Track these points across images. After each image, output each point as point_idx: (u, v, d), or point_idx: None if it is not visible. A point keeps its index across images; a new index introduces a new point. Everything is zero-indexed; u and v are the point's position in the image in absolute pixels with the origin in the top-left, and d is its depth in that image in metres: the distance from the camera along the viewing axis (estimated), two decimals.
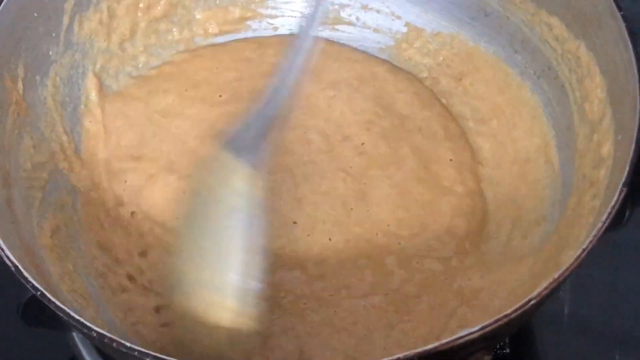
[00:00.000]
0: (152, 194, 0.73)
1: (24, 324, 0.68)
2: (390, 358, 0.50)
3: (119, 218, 0.73)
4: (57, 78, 0.74)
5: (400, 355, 0.50)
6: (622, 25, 0.63)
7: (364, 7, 0.85)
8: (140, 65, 0.81)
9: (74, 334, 0.73)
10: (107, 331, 0.53)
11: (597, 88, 0.67)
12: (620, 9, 0.64)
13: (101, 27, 0.77)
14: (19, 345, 0.76)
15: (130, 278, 0.70)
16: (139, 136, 0.77)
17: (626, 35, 0.63)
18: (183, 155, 0.75)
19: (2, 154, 0.65)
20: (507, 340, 0.67)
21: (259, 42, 0.84)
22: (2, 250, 0.56)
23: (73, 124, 0.76)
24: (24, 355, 0.76)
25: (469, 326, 0.51)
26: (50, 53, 0.73)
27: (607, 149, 0.63)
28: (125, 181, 0.74)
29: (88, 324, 0.52)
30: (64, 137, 0.74)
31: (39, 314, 0.67)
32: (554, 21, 0.72)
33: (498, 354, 0.67)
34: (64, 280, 0.65)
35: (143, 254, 0.71)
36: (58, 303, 0.53)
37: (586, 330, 0.74)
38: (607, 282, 0.76)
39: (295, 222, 0.72)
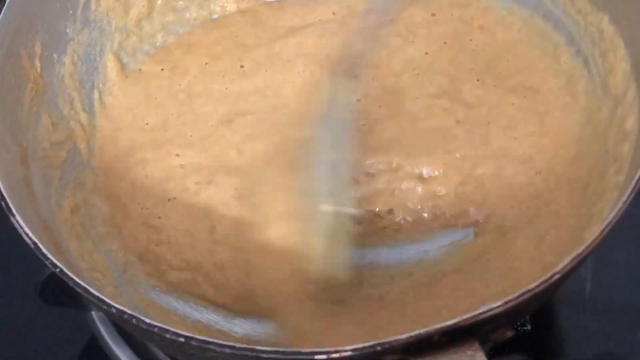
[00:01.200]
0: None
1: (43, 303, 0.68)
2: (411, 333, 0.49)
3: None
4: (75, 56, 0.74)
5: (422, 331, 0.49)
6: None
7: None
8: (157, 44, 0.81)
9: (93, 314, 0.73)
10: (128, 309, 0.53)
11: (621, 61, 0.66)
12: None
13: (118, 5, 0.77)
14: (37, 325, 0.76)
15: None
16: (163, 117, 0.77)
17: None
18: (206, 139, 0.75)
19: (20, 132, 0.65)
20: (528, 318, 0.67)
21: (275, 6, 0.83)
22: (22, 227, 0.55)
23: (92, 103, 0.75)
24: (43, 334, 0.76)
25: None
26: (68, 31, 0.73)
27: (631, 123, 0.62)
28: (145, 167, 0.74)
29: (107, 300, 0.52)
30: (83, 116, 0.74)
31: (58, 293, 0.67)
32: None
33: (519, 331, 0.66)
34: (84, 258, 0.65)
35: None
36: (77, 279, 0.53)
37: (607, 309, 0.73)
38: (629, 262, 0.75)
39: None
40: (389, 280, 0.66)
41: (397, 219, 0.69)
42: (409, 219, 0.68)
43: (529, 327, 0.67)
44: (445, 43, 0.78)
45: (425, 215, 0.68)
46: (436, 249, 0.67)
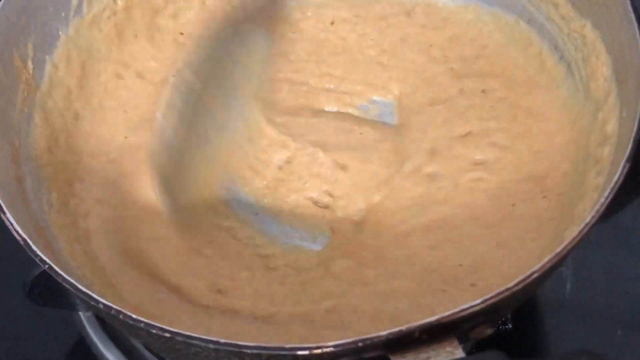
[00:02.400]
0: None
1: (31, 303, 0.69)
2: (392, 330, 0.50)
3: None
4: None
5: (402, 328, 0.50)
6: (628, 2, 0.63)
7: None
8: None
9: (81, 314, 0.74)
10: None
11: (602, 66, 0.67)
12: None
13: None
14: (25, 325, 0.77)
15: None
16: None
17: (631, 12, 0.63)
18: None
19: (12, 132, 0.66)
20: (509, 317, 0.68)
21: None
22: (12, 224, 0.56)
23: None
24: (31, 335, 0.77)
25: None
26: (60, 33, 0.73)
27: (611, 126, 0.64)
28: None
29: (95, 295, 0.53)
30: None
31: (46, 293, 0.68)
32: (560, 0, 0.72)
33: (501, 330, 0.67)
34: (75, 257, 0.66)
35: None
36: (65, 275, 0.54)
37: (587, 309, 0.74)
38: (609, 265, 0.77)
39: None
40: None
41: None
42: None
43: (510, 325, 0.68)
44: (431, 46, 0.80)
45: None
46: None
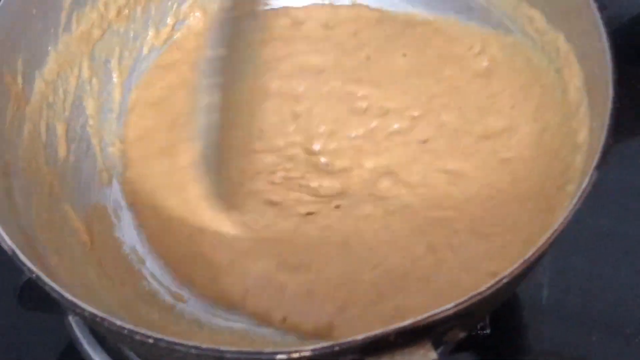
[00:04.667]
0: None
1: (21, 307, 0.71)
2: (368, 334, 0.52)
3: None
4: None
5: (378, 332, 0.52)
6: (597, 15, 0.65)
7: None
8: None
9: (70, 318, 0.75)
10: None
11: (574, 77, 0.69)
12: None
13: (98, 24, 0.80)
14: (16, 330, 0.78)
15: None
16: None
17: (601, 25, 0.65)
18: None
19: (2, 146, 0.68)
20: (488, 321, 0.70)
21: None
22: (1, 235, 0.58)
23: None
24: (22, 338, 0.78)
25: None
26: (49, 49, 0.75)
27: (583, 135, 0.66)
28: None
29: (80, 303, 0.55)
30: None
31: (36, 298, 0.70)
32: (535, 13, 0.74)
33: (479, 334, 0.69)
34: (64, 268, 0.67)
35: None
36: (52, 284, 0.56)
37: (564, 314, 0.76)
38: (585, 268, 0.79)
39: None
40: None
41: None
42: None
43: (488, 330, 0.69)
44: (404, 55, 0.82)
45: None
46: None
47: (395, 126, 0.76)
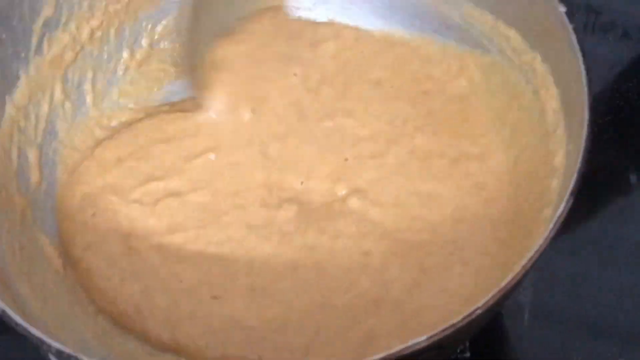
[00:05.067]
0: None
1: None
2: None
3: None
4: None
5: None
6: (573, 37, 0.65)
7: None
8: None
9: None
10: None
11: (551, 99, 0.68)
12: (571, 20, 0.66)
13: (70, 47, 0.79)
14: None
15: None
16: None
17: (576, 47, 0.64)
18: None
19: None
20: (467, 345, 0.69)
21: None
22: None
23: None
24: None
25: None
26: (20, 73, 0.74)
27: (559, 158, 0.65)
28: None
29: (46, 339, 0.54)
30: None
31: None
32: (512, 33, 0.73)
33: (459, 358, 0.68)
34: (35, 298, 0.66)
35: None
36: (13, 316, 0.55)
37: (549, 320, 0.75)
38: (569, 275, 0.78)
39: None
40: None
41: None
42: None
43: (468, 354, 0.69)
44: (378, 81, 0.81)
45: None
46: None
47: (368, 152, 0.76)
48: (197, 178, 0.76)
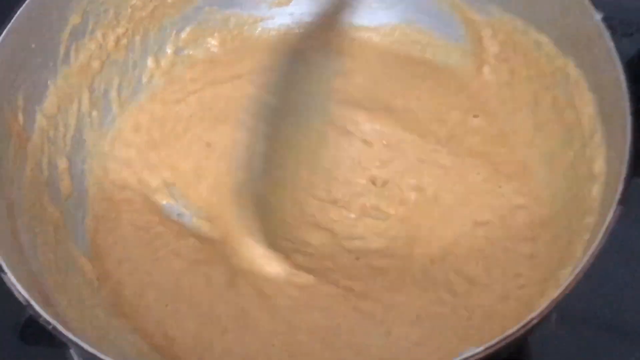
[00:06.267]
0: None
1: (24, 343, 0.70)
2: None
3: None
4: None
5: None
6: (611, 44, 0.65)
7: None
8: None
9: (72, 351, 0.73)
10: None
11: (587, 105, 0.68)
12: (608, 28, 0.66)
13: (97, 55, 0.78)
14: None
15: None
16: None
17: (615, 54, 0.64)
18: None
19: (6, 185, 0.66)
20: None
21: None
22: (14, 285, 0.57)
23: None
24: None
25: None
26: (49, 83, 0.73)
27: (599, 165, 0.65)
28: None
29: (100, 355, 0.53)
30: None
31: (38, 333, 0.67)
32: (543, 38, 0.73)
33: None
34: (73, 310, 0.65)
35: None
36: (70, 336, 0.54)
37: (576, 321, 0.75)
38: (595, 273, 0.76)
39: None
40: None
41: None
42: None
43: None
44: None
45: None
46: None
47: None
48: None
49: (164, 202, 0.77)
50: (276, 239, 0.72)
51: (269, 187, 0.75)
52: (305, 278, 0.70)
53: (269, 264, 0.70)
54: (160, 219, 0.75)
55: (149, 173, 0.78)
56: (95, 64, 0.78)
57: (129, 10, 0.79)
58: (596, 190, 0.64)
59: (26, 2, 0.69)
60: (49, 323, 0.55)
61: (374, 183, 0.77)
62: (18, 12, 0.69)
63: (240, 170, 0.76)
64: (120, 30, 0.79)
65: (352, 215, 0.75)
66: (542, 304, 0.55)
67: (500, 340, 0.53)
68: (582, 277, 0.56)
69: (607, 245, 0.75)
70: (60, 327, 0.55)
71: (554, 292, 0.55)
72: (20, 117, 0.70)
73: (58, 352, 0.73)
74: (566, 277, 0.57)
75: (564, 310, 0.73)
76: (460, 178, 0.75)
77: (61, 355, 0.73)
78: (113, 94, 0.80)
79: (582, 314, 0.76)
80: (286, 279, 0.70)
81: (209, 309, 0.70)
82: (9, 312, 0.67)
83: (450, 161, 0.76)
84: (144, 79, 0.83)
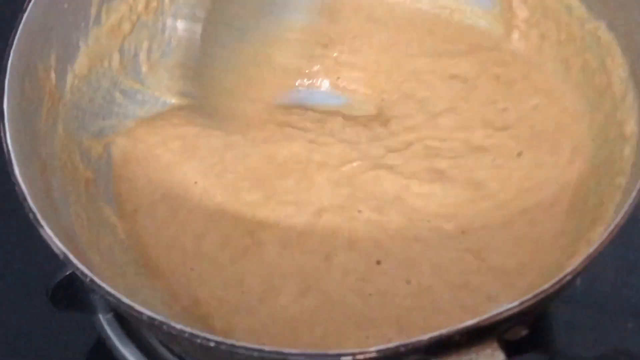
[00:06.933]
0: None
1: (54, 308, 0.70)
2: (433, 334, 0.51)
3: None
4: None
5: (443, 331, 0.51)
6: None
7: None
8: None
9: (101, 316, 0.75)
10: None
11: (618, 68, 0.68)
12: None
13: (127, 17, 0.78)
14: (47, 327, 0.78)
15: None
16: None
17: None
18: None
19: (39, 144, 0.67)
20: None
21: None
22: (51, 238, 0.57)
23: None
24: (52, 336, 0.78)
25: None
26: (80, 43, 0.74)
27: (630, 127, 0.65)
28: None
29: (138, 308, 0.54)
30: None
31: (69, 297, 0.69)
32: (574, 2, 0.73)
33: None
34: (105, 267, 0.66)
35: None
36: (108, 288, 0.55)
37: (597, 306, 0.75)
38: (616, 258, 0.77)
39: None
40: None
41: None
42: None
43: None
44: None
45: None
46: None
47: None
48: None
49: None
50: None
51: None
52: None
53: None
54: None
55: None
56: (126, 26, 0.78)
57: None
58: (628, 151, 0.64)
59: None
60: (85, 275, 0.56)
61: None
62: None
63: None
64: None
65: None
66: (575, 262, 0.55)
67: (537, 294, 0.53)
68: (616, 235, 0.56)
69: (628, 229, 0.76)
70: (96, 279, 0.55)
71: (588, 249, 0.55)
72: (53, 76, 0.70)
73: (86, 317, 0.75)
74: (598, 236, 0.57)
75: (587, 287, 0.75)
76: None
77: (88, 319, 0.75)
78: (142, 56, 0.81)
79: (604, 290, 0.76)
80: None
81: (232, 270, 0.70)
82: (40, 276, 0.69)
83: None
84: (173, 43, 0.83)
